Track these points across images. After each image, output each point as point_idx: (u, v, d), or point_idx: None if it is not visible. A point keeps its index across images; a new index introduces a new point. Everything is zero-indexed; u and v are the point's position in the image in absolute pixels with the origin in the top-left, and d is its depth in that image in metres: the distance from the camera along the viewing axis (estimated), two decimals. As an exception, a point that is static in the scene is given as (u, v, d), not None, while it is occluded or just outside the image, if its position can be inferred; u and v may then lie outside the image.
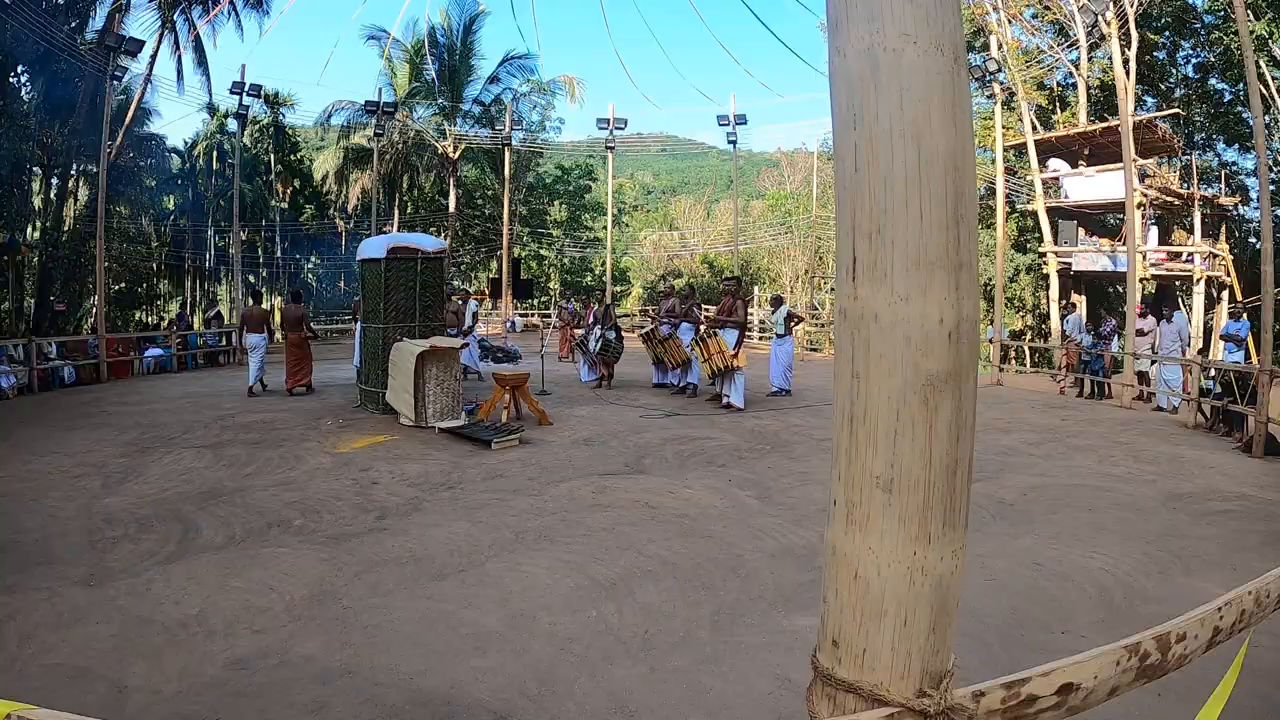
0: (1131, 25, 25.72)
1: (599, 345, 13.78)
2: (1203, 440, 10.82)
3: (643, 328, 17.88)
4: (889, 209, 1.36)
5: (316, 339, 14.47)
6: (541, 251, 43.50)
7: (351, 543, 5.70)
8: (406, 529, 6.04)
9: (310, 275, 39.58)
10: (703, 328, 12.60)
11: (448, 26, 33.82)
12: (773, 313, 14.96)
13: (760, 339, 23.71)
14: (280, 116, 38.53)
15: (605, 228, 30.23)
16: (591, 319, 14.85)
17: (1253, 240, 29.97)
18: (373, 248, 11.54)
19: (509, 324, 29.38)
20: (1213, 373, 12.32)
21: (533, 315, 34.78)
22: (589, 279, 42.15)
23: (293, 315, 13.76)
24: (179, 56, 27.51)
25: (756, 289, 34.75)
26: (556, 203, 43.68)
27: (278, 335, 15.68)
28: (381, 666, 3.85)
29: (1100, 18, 20.94)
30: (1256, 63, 11.88)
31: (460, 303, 14.97)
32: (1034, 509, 6.92)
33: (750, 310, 21.82)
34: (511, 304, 31.14)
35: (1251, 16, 24.99)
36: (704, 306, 17.08)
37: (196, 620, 4.33)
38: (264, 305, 15.34)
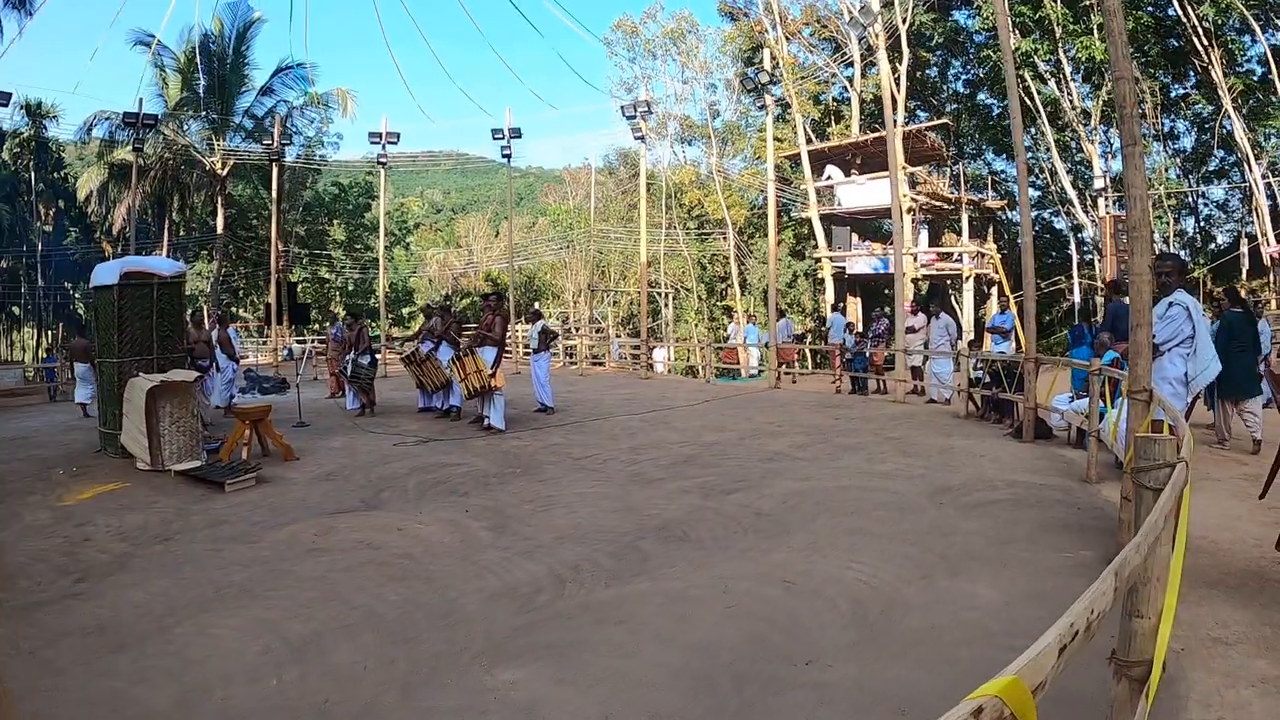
0: (904, 41, 27.68)
1: (350, 370, 13.41)
2: (974, 429, 11.37)
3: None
4: None
5: None
6: (322, 274, 41.65)
7: (39, 613, 5.03)
8: (103, 592, 5.42)
9: (80, 306, 36.47)
10: (461, 346, 12.40)
11: (220, 33, 31.94)
12: (529, 327, 15.07)
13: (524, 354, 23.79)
14: (42, 130, 35.36)
15: (385, 247, 29.51)
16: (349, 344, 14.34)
17: (1020, 241, 33.01)
18: (105, 273, 10.53)
19: (285, 352, 27.96)
20: (978, 363, 13.06)
21: (308, 341, 33.40)
22: (373, 301, 40.76)
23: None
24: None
25: (538, 304, 34.96)
26: (336, 222, 42.04)
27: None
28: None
29: (869, 30, 22.08)
30: (1021, 77, 12.99)
31: (212, 330, 14.15)
32: (792, 517, 6.71)
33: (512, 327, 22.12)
34: (288, 330, 29.84)
35: (1019, 34, 27.46)
36: (463, 326, 16.81)
37: None
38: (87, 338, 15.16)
